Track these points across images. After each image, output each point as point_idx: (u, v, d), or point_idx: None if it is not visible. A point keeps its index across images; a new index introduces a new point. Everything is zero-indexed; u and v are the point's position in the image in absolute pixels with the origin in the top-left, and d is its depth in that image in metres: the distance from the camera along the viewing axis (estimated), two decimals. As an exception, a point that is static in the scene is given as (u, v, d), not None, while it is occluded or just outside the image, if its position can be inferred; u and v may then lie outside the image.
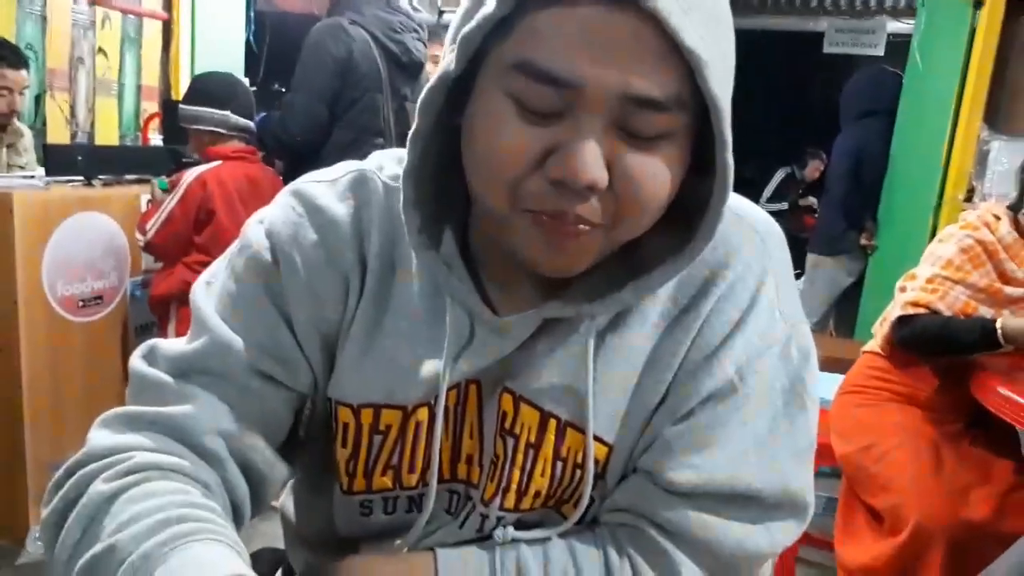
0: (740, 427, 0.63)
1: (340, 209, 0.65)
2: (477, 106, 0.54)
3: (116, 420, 0.60)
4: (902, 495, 1.59)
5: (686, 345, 0.63)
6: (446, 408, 0.65)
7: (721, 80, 0.51)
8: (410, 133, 0.57)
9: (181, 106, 2.35)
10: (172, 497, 0.54)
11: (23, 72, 2.52)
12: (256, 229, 0.66)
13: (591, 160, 0.50)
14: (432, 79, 0.54)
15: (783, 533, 0.65)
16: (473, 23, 0.51)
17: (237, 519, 0.62)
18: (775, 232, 0.67)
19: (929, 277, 1.69)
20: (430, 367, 0.64)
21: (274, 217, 0.66)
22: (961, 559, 1.49)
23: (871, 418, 1.76)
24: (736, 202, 0.65)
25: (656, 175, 0.53)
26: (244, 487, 0.62)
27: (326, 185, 0.67)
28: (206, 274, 0.67)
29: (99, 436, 0.59)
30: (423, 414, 0.65)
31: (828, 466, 1.90)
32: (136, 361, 0.64)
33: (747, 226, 0.65)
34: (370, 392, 0.65)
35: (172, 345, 0.64)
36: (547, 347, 0.64)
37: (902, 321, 1.69)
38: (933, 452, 1.63)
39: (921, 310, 1.66)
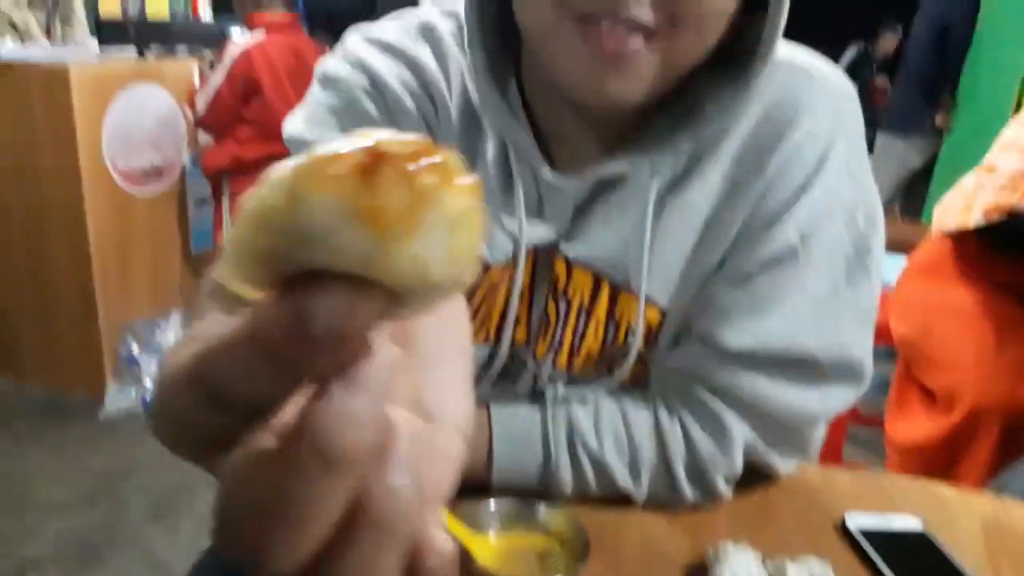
0: (800, 292, 0.61)
1: (421, 51, 0.63)
2: None
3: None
4: (960, 375, 1.55)
5: (749, 208, 0.61)
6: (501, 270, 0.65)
7: None
8: None
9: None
10: None
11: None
12: (335, 65, 0.64)
13: None
14: None
15: (837, 398, 0.64)
16: None
17: None
18: (848, 92, 0.62)
19: (1014, 173, 1.57)
20: (506, 229, 0.64)
21: (352, 54, 0.64)
22: (1015, 440, 1.47)
23: (934, 299, 1.71)
24: (807, 60, 0.62)
25: None
26: None
27: (395, 28, 0.65)
28: (294, 112, 0.66)
29: None
30: (496, 276, 0.65)
31: (884, 346, 1.87)
32: None
33: (818, 85, 0.61)
34: None
35: None
36: (604, 212, 0.63)
37: (981, 231, 1.60)
38: (996, 332, 1.58)
39: (1004, 215, 1.56)
